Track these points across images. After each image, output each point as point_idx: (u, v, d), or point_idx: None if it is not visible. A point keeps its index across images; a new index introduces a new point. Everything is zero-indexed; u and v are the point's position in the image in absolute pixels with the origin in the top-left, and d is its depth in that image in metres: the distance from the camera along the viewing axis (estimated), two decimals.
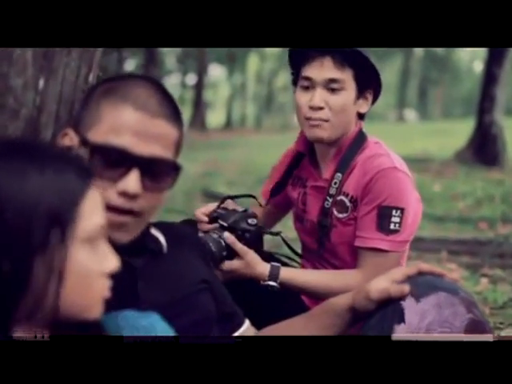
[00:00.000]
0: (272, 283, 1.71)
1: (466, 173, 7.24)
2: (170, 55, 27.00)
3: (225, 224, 1.75)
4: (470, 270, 3.30)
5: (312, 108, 1.75)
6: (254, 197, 2.02)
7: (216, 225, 1.74)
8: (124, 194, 1.01)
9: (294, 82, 1.85)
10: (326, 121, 1.75)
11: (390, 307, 1.14)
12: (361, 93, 1.78)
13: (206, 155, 10.52)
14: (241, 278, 1.69)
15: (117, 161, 1.01)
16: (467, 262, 3.47)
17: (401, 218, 1.69)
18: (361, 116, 1.84)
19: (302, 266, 2.01)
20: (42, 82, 1.07)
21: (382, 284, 1.17)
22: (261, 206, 2.04)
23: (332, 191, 1.80)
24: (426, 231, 4.14)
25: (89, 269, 0.86)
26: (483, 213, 4.94)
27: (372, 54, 1.81)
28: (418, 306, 1.11)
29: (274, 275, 1.72)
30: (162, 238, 1.16)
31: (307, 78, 1.76)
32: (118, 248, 0.97)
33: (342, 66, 1.73)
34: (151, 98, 1.04)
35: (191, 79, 25.67)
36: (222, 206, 1.85)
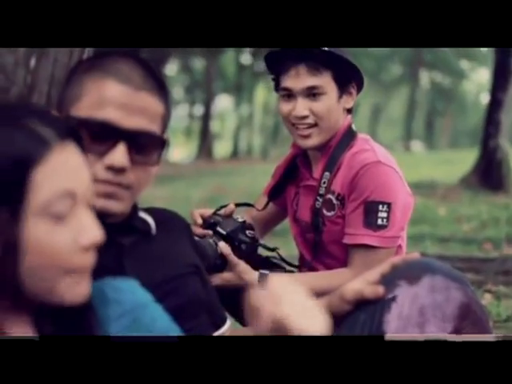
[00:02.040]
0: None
1: (471, 197, 7.21)
2: (177, 85, 27.25)
3: (223, 232, 1.73)
4: (474, 286, 3.26)
5: (297, 118, 1.75)
6: (252, 205, 2.01)
7: (209, 231, 1.72)
8: (111, 168, 1.00)
9: (276, 89, 1.85)
10: (315, 125, 1.76)
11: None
12: (343, 90, 1.78)
13: (212, 182, 10.54)
14: (232, 288, 1.67)
15: (102, 134, 1.00)
16: (471, 278, 3.43)
17: (388, 212, 1.66)
18: (348, 110, 1.84)
19: (299, 268, 2.00)
20: (33, 61, 1.08)
21: (357, 285, 1.13)
22: (258, 210, 2.04)
23: (321, 191, 1.79)
24: (431, 251, 4.11)
25: (56, 243, 0.78)
26: (488, 234, 4.90)
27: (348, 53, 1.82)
28: (410, 289, 1.09)
29: (262, 283, 1.70)
30: (150, 220, 1.15)
31: (286, 89, 1.77)
32: (106, 227, 0.96)
33: (317, 71, 1.73)
34: (134, 71, 1.03)
35: (198, 110, 25.87)
36: (220, 213, 1.84)
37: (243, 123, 31.60)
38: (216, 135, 26.69)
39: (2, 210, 0.75)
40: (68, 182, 0.79)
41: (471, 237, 4.84)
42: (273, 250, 1.92)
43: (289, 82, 1.76)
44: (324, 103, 1.75)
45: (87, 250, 0.81)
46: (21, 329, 0.84)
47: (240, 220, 1.81)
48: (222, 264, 1.66)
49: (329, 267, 1.87)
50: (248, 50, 21.73)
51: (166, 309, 1.03)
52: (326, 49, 1.71)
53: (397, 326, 1.07)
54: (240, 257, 1.73)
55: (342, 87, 1.78)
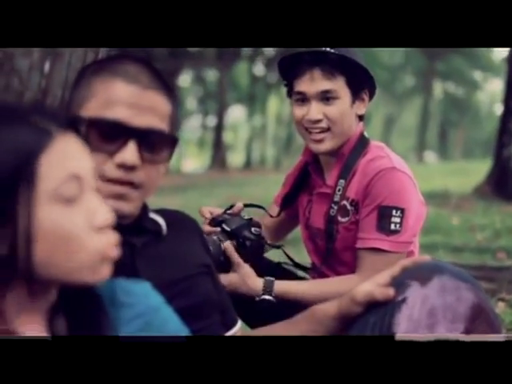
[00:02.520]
0: (267, 297, 1.70)
1: (484, 207, 7.16)
2: (190, 96, 27.39)
3: (228, 229, 1.75)
4: (488, 295, 3.24)
5: (310, 122, 1.76)
6: (263, 208, 2.02)
7: (217, 228, 1.74)
8: (122, 166, 1.02)
9: (289, 94, 1.86)
10: (328, 130, 1.76)
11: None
12: (356, 96, 1.79)
13: (225, 192, 10.56)
14: (235, 293, 1.67)
15: (113, 133, 1.01)
16: (485, 287, 3.41)
17: (401, 218, 1.67)
18: (360, 117, 1.84)
19: (311, 275, 2.00)
20: (47, 66, 1.10)
21: (367, 287, 1.13)
22: (271, 216, 2.04)
23: (336, 198, 1.79)
24: (444, 260, 4.09)
25: (70, 227, 0.81)
26: (502, 243, 4.87)
27: (362, 54, 1.82)
28: (421, 290, 1.09)
29: (268, 289, 1.71)
30: (161, 221, 1.16)
31: (300, 93, 1.77)
32: (118, 228, 0.97)
33: (332, 75, 1.74)
34: (141, 72, 1.06)
35: (212, 121, 25.98)
36: (229, 211, 1.85)
37: (256, 134, 31.66)
38: (229, 146, 26.79)
39: (14, 200, 0.78)
40: (72, 166, 0.82)
41: (485, 246, 4.81)
42: (278, 247, 1.93)
43: (303, 85, 1.76)
44: (337, 107, 1.76)
45: (101, 230, 0.84)
46: (33, 329, 0.86)
47: (246, 218, 1.83)
48: (226, 262, 1.67)
49: (340, 274, 1.87)
50: (261, 60, 21.80)
51: (177, 309, 1.04)
52: (341, 53, 1.72)
53: (407, 328, 1.07)
54: (246, 254, 1.75)
55: (355, 93, 1.79)
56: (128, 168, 1.02)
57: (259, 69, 24.01)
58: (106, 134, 1.01)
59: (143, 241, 1.11)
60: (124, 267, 1.01)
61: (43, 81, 1.10)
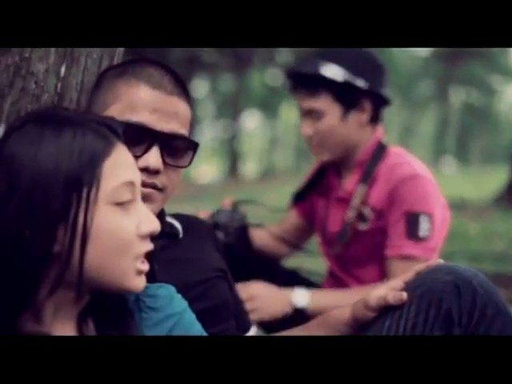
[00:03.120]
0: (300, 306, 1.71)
1: (503, 215, 7.10)
2: (205, 105, 27.51)
3: (211, 222, 1.84)
4: (506, 302, 3.20)
5: (305, 137, 1.83)
6: (256, 202, 2.04)
7: None
8: (146, 170, 1.04)
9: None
10: (321, 146, 1.81)
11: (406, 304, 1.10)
12: (350, 107, 1.79)
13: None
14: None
15: (138, 137, 1.03)
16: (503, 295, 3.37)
17: (429, 223, 1.68)
18: (373, 121, 1.84)
19: (326, 280, 1.99)
20: (63, 69, 1.11)
21: (380, 291, 1.12)
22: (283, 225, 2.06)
23: (355, 203, 1.79)
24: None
25: (119, 231, 0.84)
26: None
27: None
28: (436, 293, 1.08)
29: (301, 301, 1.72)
30: (177, 224, 1.17)
31: (299, 109, 1.85)
32: None
33: (316, 94, 1.77)
34: (165, 77, 1.08)
35: (226, 130, 26.09)
36: (219, 209, 1.93)
37: (271, 143, 31.69)
38: (243, 155, 26.83)
39: (75, 201, 0.81)
40: (128, 173, 0.87)
41: (503, 254, 4.76)
42: (260, 225, 2.01)
43: (297, 102, 1.83)
44: (324, 124, 1.79)
45: (146, 237, 0.88)
46: (65, 334, 0.87)
47: (229, 209, 1.92)
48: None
49: (358, 280, 1.86)
50: (276, 70, 21.86)
51: (194, 312, 1.04)
52: (317, 71, 1.74)
53: (422, 331, 1.06)
54: (231, 240, 1.79)
55: (348, 105, 1.79)
56: (152, 172, 1.04)
57: (274, 78, 24.06)
58: (132, 138, 1.02)
59: (161, 244, 1.12)
60: None
61: (59, 84, 1.11)
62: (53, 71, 1.09)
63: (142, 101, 1.05)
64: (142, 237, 0.87)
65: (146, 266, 0.89)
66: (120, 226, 0.84)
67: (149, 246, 0.89)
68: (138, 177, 0.89)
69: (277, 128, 31.15)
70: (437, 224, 1.72)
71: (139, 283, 0.88)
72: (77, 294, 0.86)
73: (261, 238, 2.06)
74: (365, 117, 1.83)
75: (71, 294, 0.86)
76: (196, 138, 1.14)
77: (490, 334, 1.05)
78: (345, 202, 1.85)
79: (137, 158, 1.03)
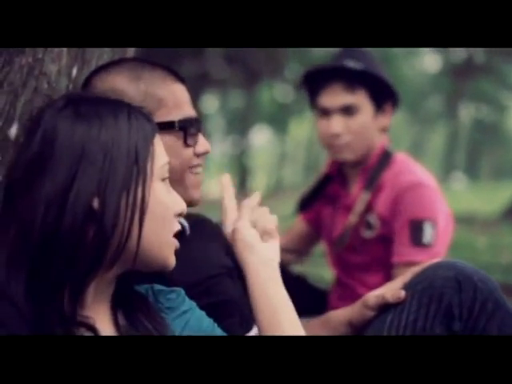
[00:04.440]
0: None
1: (511, 229, 7.08)
2: (214, 121, 27.61)
3: None
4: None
5: (331, 135, 1.80)
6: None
7: None
8: (202, 155, 1.17)
9: (312, 109, 1.90)
10: (347, 145, 1.80)
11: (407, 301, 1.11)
12: (378, 108, 1.82)
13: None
14: None
15: (195, 129, 1.15)
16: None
17: (433, 230, 1.69)
18: (384, 130, 1.87)
19: (334, 288, 2.01)
20: (75, 71, 1.15)
21: (379, 291, 1.16)
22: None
23: (358, 209, 1.81)
24: None
25: (167, 207, 0.92)
26: None
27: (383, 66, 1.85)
28: (437, 288, 1.10)
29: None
30: (185, 222, 1.20)
31: (323, 107, 1.82)
32: None
33: (353, 89, 1.78)
34: (172, 72, 1.17)
35: (235, 146, 26.16)
36: None
37: (280, 158, 31.71)
38: (252, 170, 26.87)
39: (133, 171, 0.87)
40: (166, 155, 0.94)
41: (511, 265, 4.75)
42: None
43: (325, 100, 1.81)
44: (359, 121, 1.79)
45: (177, 217, 0.95)
46: (101, 320, 0.91)
47: None
48: None
49: (365, 286, 1.88)
50: (285, 86, 21.93)
51: (201, 307, 1.07)
52: (363, 66, 1.76)
53: (423, 325, 1.08)
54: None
55: (378, 105, 1.82)
56: (204, 155, 1.17)
57: (284, 94, 24.15)
58: (192, 131, 1.14)
59: None
60: None
61: (71, 85, 1.14)
62: (65, 72, 1.13)
63: (183, 97, 1.15)
64: (176, 215, 0.94)
65: (178, 244, 0.96)
66: (167, 201, 0.92)
67: (178, 226, 0.95)
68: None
69: (286, 144, 31.18)
70: (441, 230, 1.74)
71: (174, 261, 0.96)
72: (117, 271, 0.91)
73: None
74: (386, 121, 1.86)
75: (112, 274, 0.91)
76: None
77: (489, 328, 1.07)
78: (350, 209, 1.87)
79: (189, 146, 1.14)
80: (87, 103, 0.89)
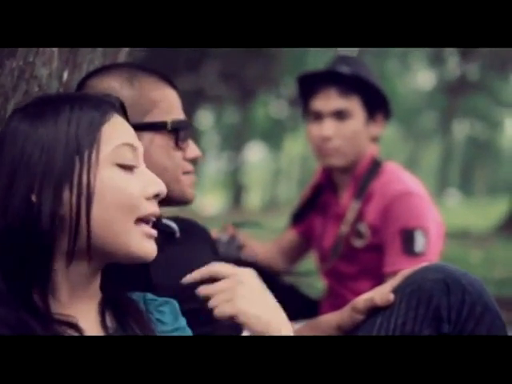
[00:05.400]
0: None
1: (504, 243, 7.10)
2: (209, 137, 27.66)
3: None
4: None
5: (322, 138, 1.81)
6: (258, 224, 2.06)
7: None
8: (194, 160, 1.18)
9: (305, 112, 1.91)
10: (337, 149, 1.80)
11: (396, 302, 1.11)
12: (370, 116, 1.83)
13: (244, 232, 10.52)
14: None
15: (186, 133, 1.16)
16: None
17: (424, 238, 1.70)
18: (375, 139, 1.88)
19: (325, 298, 2.00)
20: (66, 74, 1.15)
21: (368, 294, 1.16)
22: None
23: (349, 218, 1.82)
24: None
25: (123, 190, 0.89)
26: None
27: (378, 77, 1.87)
28: (425, 291, 1.10)
29: None
30: (174, 225, 1.20)
31: (315, 111, 1.83)
32: None
33: (347, 94, 1.80)
34: (164, 77, 1.18)
35: (230, 162, 26.19)
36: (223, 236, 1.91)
37: (274, 175, 31.74)
38: (247, 186, 26.89)
39: (75, 160, 0.87)
40: (127, 138, 0.93)
41: (504, 279, 4.76)
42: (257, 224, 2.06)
43: (318, 103, 1.82)
44: (350, 126, 1.80)
45: (152, 199, 0.92)
46: (87, 319, 0.91)
47: (226, 239, 1.95)
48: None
49: (356, 295, 1.88)
50: (281, 102, 22.03)
51: (188, 311, 1.07)
52: (357, 73, 1.77)
53: (412, 328, 1.08)
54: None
55: (370, 114, 1.83)
56: (196, 160, 1.19)
57: (278, 110, 24.24)
58: (182, 135, 1.15)
59: (156, 243, 1.14)
60: (137, 270, 1.04)
61: (62, 88, 1.15)
62: (56, 76, 1.14)
63: (175, 101, 1.17)
64: (148, 198, 0.91)
65: (153, 231, 0.93)
66: (124, 187, 0.89)
67: (155, 208, 0.92)
68: (139, 144, 0.94)
69: (280, 160, 31.24)
70: (432, 239, 1.74)
71: (149, 248, 0.93)
72: (88, 265, 0.90)
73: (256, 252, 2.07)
74: (377, 130, 1.87)
75: (84, 268, 0.90)
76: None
77: (478, 331, 1.07)
78: (340, 217, 1.88)
79: (182, 150, 1.16)
80: (37, 104, 0.92)
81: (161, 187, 0.93)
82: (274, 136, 27.47)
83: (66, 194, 0.87)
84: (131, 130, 0.95)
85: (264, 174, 34.08)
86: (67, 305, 0.90)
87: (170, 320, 1.02)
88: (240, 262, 1.90)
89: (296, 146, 29.40)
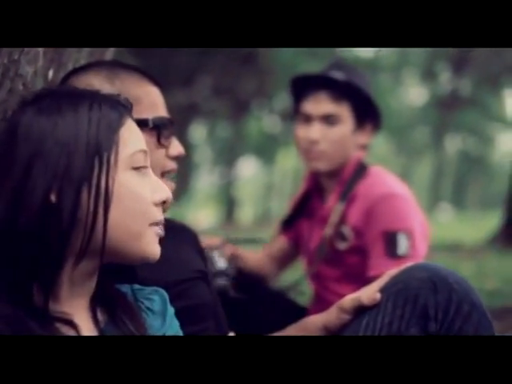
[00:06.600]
0: None
1: (496, 256, 7.11)
2: (201, 151, 27.69)
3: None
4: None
5: (309, 141, 1.81)
6: (256, 240, 2.06)
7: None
8: (177, 157, 1.17)
9: (294, 114, 1.92)
10: (323, 153, 1.81)
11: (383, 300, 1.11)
12: (359, 123, 1.84)
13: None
14: None
15: (168, 131, 1.15)
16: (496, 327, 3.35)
17: (408, 241, 1.69)
18: (363, 147, 1.88)
19: (313, 303, 1.99)
20: (51, 73, 1.15)
21: (355, 294, 1.16)
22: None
23: (333, 221, 1.82)
24: None
25: (139, 194, 0.89)
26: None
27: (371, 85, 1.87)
28: (412, 290, 1.10)
29: None
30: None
31: (305, 113, 1.84)
32: None
33: (338, 100, 1.81)
34: (148, 75, 1.17)
35: (222, 176, 26.22)
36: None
37: (267, 189, 31.77)
38: (240, 201, 26.89)
39: (95, 162, 0.87)
40: (141, 143, 0.93)
41: (495, 290, 4.75)
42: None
43: (308, 106, 1.83)
44: (338, 131, 1.81)
45: (160, 205, 0.93)
46: (81, 315, 0.91)
47: (213, 254, 1.87)
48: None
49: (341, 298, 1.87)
50: (274, 117, 22.11)
51: (176, 309, 1.06)
52: (349, 78, 1.78)
53: (398, 327, 1.08)
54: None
55: (359, 121, 1.84)
56: (180, 158, 1.17)
57: (271, 125, 24.31)
58: (165, 131, 1.14)
59: None
60: (123, 269, 1.04)
61: (46, 87, 1.14)
62: (41, 74, 1.13)
63: (156, 98, 1.16)
64: (156, 204, 0.92)
65: (162, 232, 0.94)
66: (139, 190, 0.90)
67: (161, 214, 0.93)
68: (146, 148, 0.95)
69: (273, 174, 31.29)
70: (416, 241, 1.73)
71: (158, 250, 0.94)
72: (93, 263, 0.90)
73: (247, 259, 2.07)
74: (364, 139, 1.87)
75: (88, 266, 0.90)
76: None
77: (465, 329, 1.07)
78: (325, 220, 1.87)
79: (165, 148, 1.15)
80: (51, 97, 0.90)
81: (167, 193, 0.94)
82: (266, 150, 27.54)
83: (84, 196, 0.86)
84: (141, 134, 0.95)
85: (257, 189, 34.13)
86: (66, 301, 0.90)
87: (160, 309, 1.02)
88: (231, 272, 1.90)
89: (289, 161, 29.46)
